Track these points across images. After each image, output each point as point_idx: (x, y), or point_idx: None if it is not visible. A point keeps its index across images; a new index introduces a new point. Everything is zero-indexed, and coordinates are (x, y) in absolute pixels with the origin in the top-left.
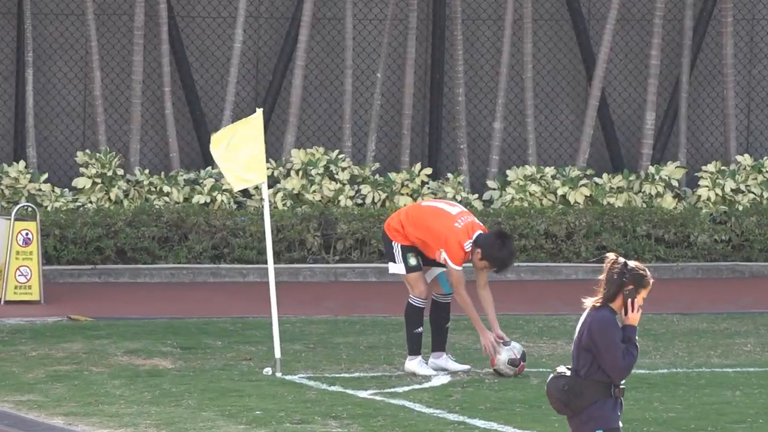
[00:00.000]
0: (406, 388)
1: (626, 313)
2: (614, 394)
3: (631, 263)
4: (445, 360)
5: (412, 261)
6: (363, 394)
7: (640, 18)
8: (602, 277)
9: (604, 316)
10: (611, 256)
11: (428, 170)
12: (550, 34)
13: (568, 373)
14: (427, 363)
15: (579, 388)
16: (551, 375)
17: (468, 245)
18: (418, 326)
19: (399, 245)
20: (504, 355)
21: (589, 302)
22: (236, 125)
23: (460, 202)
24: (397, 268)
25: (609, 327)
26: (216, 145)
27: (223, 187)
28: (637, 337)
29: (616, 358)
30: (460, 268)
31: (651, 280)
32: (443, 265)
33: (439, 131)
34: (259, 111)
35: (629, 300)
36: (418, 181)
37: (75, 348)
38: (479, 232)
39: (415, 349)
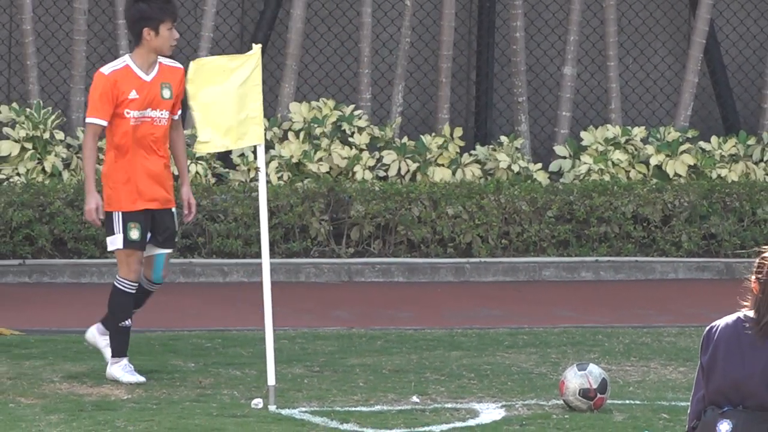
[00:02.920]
0: (446, 427)
1: None
2: None
3: None
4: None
5: (134, 234)
6: None
7: None
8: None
9: None
10: None
11: (459, 131)
12: None
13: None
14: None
15: None
16: (725, 418)
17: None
18: (125, 318)
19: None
20: (575, 383)
21: None
22: (224, 62)
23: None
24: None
25: None
26: (200, 85)
27: (197, 155)
28: None
29: None
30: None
31: None
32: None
33: (489, 79)
34: (257, 47)
35: None
36: (452, 148)
37: None
38: None
39: (121, 350)
